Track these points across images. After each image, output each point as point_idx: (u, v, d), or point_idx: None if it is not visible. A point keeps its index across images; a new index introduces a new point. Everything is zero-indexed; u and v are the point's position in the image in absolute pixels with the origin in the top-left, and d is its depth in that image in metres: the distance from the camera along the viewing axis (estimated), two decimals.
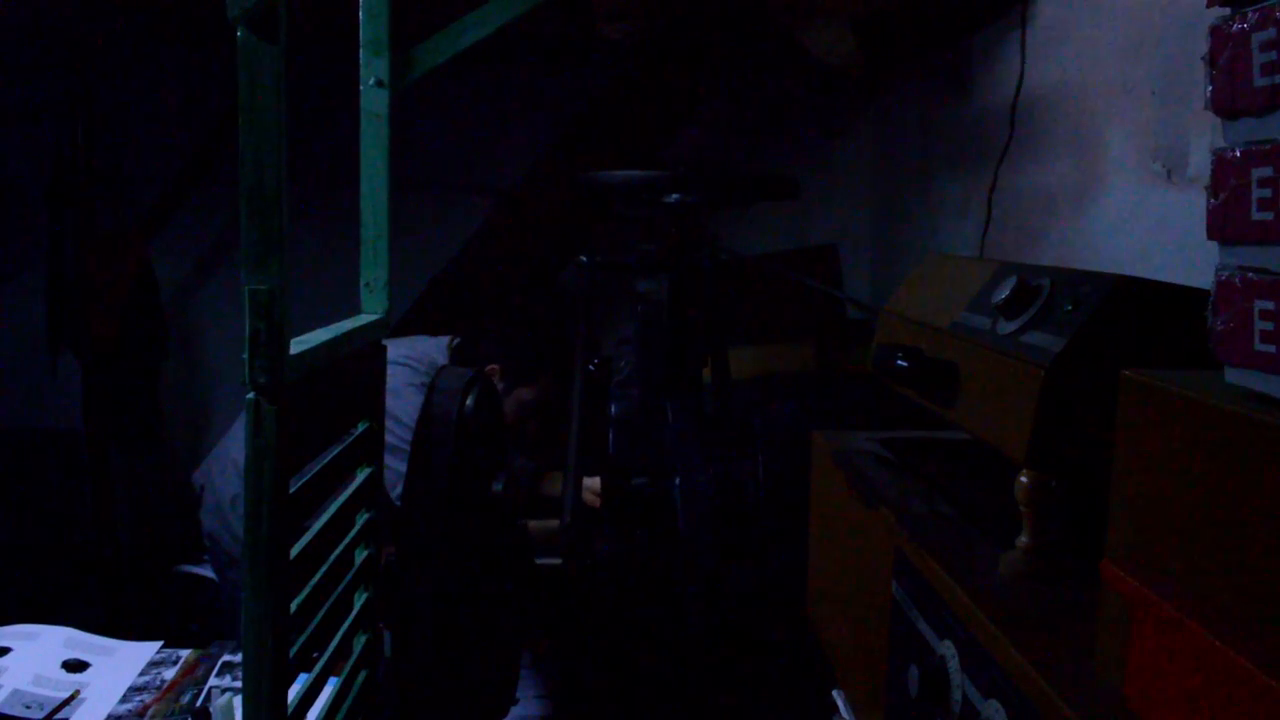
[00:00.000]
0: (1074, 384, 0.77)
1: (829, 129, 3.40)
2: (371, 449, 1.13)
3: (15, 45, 2.93)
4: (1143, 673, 0.57)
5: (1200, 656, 0.51)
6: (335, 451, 1.02)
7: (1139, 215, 1.61)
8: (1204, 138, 1.43)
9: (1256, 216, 0.53)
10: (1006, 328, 0.87)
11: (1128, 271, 0.85)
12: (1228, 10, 0.55)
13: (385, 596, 1.18)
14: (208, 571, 2.62)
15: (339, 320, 1.06)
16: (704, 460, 1.65)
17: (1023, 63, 2.07)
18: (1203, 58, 0.56)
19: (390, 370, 1.96)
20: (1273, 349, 0.51)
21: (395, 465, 1.71)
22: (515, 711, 1.82)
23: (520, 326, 2.32)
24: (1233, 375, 0.55)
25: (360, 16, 1.13)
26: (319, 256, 2.11)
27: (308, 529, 0.96)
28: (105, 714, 1.33)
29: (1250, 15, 0.52)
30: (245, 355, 0.76)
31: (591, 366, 1.83)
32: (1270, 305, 0.51)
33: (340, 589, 1.03)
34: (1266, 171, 0.52)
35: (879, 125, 3.34)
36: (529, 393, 2.17)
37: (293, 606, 0.86)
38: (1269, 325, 0.52)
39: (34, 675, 1.39)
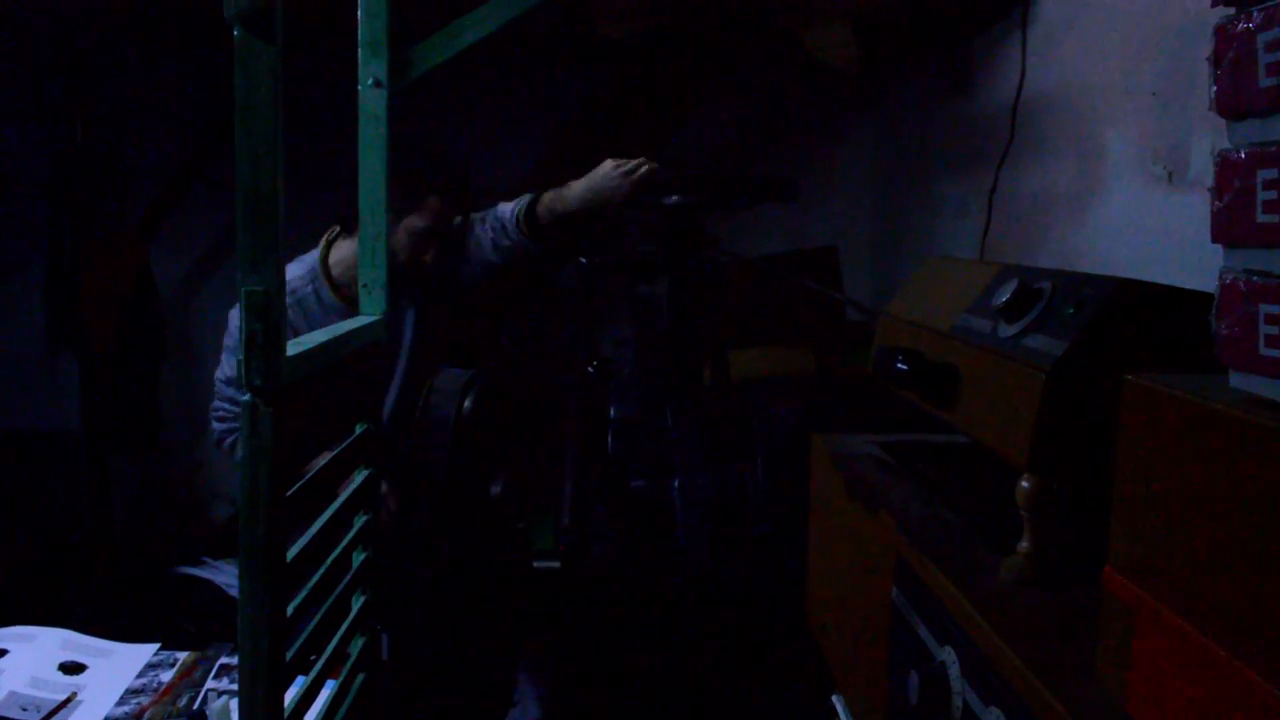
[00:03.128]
0: (1076, 388, 0.76)
1: (829, 130, 3.39)
2: (369, 451, 1.12)
3: (15, 46, 2.93)
4: (1145, 680, 0.57)
5: (1203, 664, 0.51)
6: (333, 453, 1.01)
7: (1140, 217, 1.61)
8: (1205, 139, 1.42)
9: (1261, 219, 0.52)
10: (1007, 331, 0.87)
11: (1129, 274, 0.85)
12: (1232, 9, 0.54)
13: (382, 593, 1.17)
14: (205, 573, 2.62)
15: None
16: (703, 462, 1.65)
17: (1023, 64, 2.07)
18: (1206, 58, 0.56)
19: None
20: (1278, 353, 0.51)
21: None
22: (513, 713, 1.82)
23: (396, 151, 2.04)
24: (1237, 380, 0.54)
25: (359, 16, 1.13)
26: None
27: (305, 532, 0.95)
28: (102, 716, 1.32)
29: (1255, 15, 0.52)
30: (241, 357, 0.75)
31: (590, 368, 1.82)
32: (1276, 309, 0.51)
33: (337, 591, 1.03)
34: (1272, 173, 0.51)
35: (879, 127, 3.34)
36: (419, 219, 1.90)
37: (289, 609, 0.85)
38: (1274, 329, 0.51)
39: (31, 677, 1.38)
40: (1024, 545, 0.80)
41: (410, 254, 1.92)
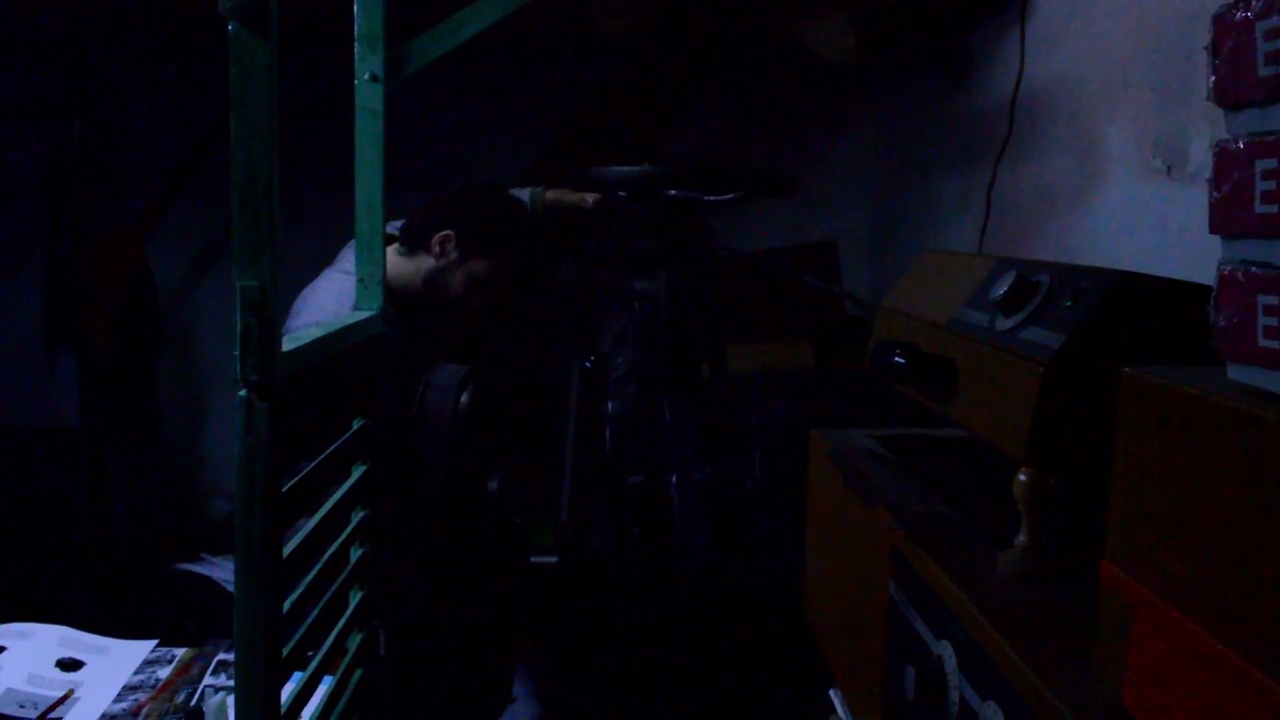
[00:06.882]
0: (1073, 381, 0.76)
1: (827, 124, 3.39)
2: (367, 446, 1.12)
3: (13, 44, 2.92)
4: (1142, 675, 0.57)
5: (1201, 659, 0.51)
6: (330, 449, 1.01)
7: (1139, 211, 1.61)
8: (1204, 133, 1.42)
9: (1260, 210, 0.52)
10: (1005, 324, 0.86)
11: (1128, 267, 0.84)
12: None
13: (379, 588, 1.17)
14: (203, 569, 2.62)
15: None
16: (701, 458, 1.65)
17: (1022, 57, 2.06)
18: (1205, 47, 0.55)
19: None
20: (1276, 345, 0.51)
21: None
22: (511, 709, 1.82)
23: (482, 193, 2.11)
24: (1235, 372, 0.54)
25: (355, 10, 1.13)
26: (313, 253, 2.10)
27: (301, 527, 0.95)
28: (99, 713, 1.32)
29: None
30: (236, 352, 0.75)
31: (588, 363, 1.82)
32: (1274, 300, 0.51)
33: (335, 587, 1.02)
34: (1270, 164, 0.51)
35: (878, 121, 3.33)
36: (482, 266, 2.00)
37: (286, 605, 0.85)
38: (1272, 321, 0.51)
39: (28, 674, 1.38)
40: (1021, 539, 0.80)
41: (463, 293, 1.98)
